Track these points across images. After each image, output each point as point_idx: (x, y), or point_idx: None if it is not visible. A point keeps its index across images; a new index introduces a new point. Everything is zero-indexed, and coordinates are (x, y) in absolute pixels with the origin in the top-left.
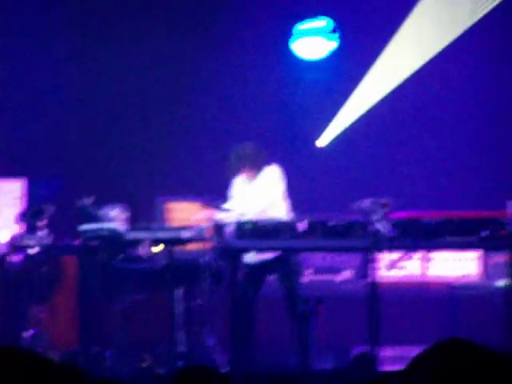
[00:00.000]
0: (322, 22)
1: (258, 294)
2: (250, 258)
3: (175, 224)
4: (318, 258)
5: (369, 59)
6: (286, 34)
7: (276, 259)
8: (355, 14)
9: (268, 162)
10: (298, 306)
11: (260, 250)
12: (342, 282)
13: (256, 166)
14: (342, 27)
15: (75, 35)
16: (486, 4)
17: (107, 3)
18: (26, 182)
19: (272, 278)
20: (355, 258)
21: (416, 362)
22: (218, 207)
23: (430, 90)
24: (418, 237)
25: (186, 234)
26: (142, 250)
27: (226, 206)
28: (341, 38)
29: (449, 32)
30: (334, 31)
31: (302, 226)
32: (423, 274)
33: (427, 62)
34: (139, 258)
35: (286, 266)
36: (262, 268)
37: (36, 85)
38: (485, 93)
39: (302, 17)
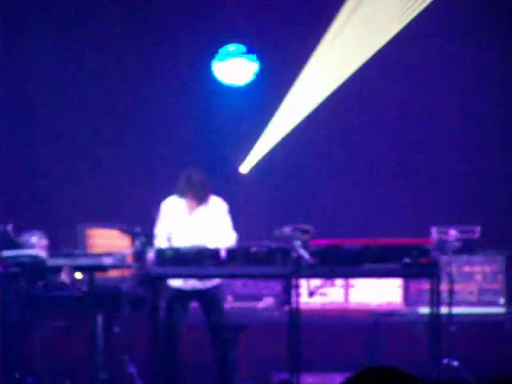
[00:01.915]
0: (241, 47)
1: (182, 321)
2: (179, 282)
3: (96, 250)
4: (239, 285)
5: (289, 83)
6: (208, 59)
7: (206, 290)
8: (273, 39)
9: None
10: (220, 333)
11: (181, 276)
12: (263, 309)
13: (204, 195)
14: (260, 52)
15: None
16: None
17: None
18: None
19: (195, 305)
20: (277, 285)
21: None
22: (136, 234)
23: (347, 114)
24: (339, 264)
25: (107, 261)
26: (63, 277)
27: (158, 233)
28: (261, 62)
29: (368, 47)
30: (252, 53)
31: (223, 252)
32: (346, 301)
33: (346, 81)
34: (60, 285)
35: (212, 294)
36: (189, 295)
37: None
38: (405, 116)
39: (223, 42)
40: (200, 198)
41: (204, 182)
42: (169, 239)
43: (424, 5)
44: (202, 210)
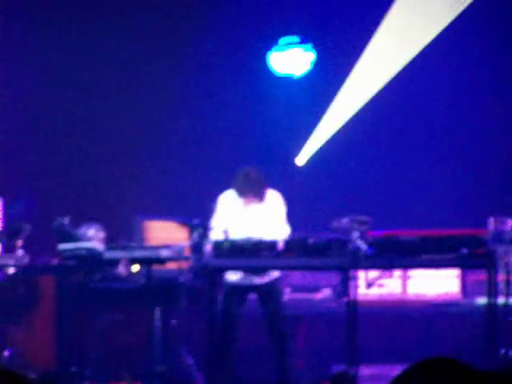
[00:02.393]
0: (297, 38)
1: (239, 313)
2: (234, 278)
3: (153, 243)
4: (296, 277)
5: (344, 74)
6: (264, 51)
7: (265, 284)
8: (328, 30)
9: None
10: (278, 326)
11: (238, 268)
12: (321, 301)
13: (261, 193)
14: (316, 42)
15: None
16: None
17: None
18: (2, 201)
19: (252, 297)
20: (334, 276)
21: (401, 380)
22: (194, 226)
23: (403, 104)
24: (397, 255)
25: (164, 253)
26: (120, 270)
27: (215, 226)
28: (317, 52)
29: (422, 37)
30: (308, 43)
31: (280, 244)
32: (403, 292)
33: (401, 71)
34: (117, 278)
35: (270, 288)
36: (247, 289)
37: (9, 105)
38: (465, 109)
39: (278, 34)
40: (258, 196)
41: (261, 179)
42: (225, 232)
43: None
44: (261, 204)
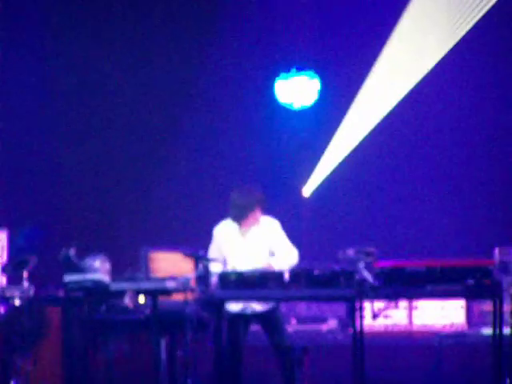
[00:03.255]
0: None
1: (244, 343)
2: (234, 307)
3: (159, 274)
4: (302, 308)
5: (349, 104)
6: (270, 80)
7: (266, 312)
8: (332, 61)
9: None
10: (285, 354)
11: (244, 299)
12: (327, 332)
13: (259, 214)
14: (321, 74)
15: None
16: (462, 25)
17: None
18: (7, 232)
19: (257, 328)
20: (340, 307)
21: None
22: (200, 257)
23: (411, 133)
24: (403, 285)
25: (170, 285)
26: (126, 301)
27: (212, 256)
28: (321, 83)
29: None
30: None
31: (286, 275)
32: (409, 323)
33: (406, 100)
34: (123, 309)
35: (271, 316)
36: (249, 319)
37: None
38: (469, 138)
39: (284, 64)
40: (256, 217)
41: (249, 201)
42: (224, 263)
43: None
44: (255, 230)
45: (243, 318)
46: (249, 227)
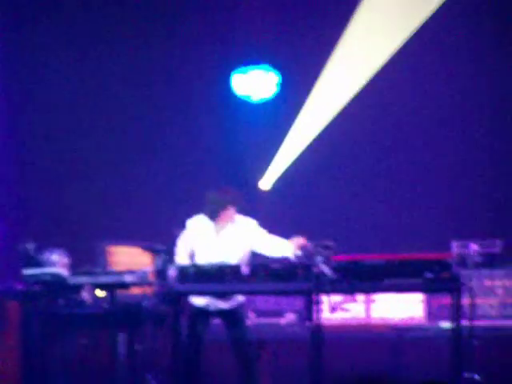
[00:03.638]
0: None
1: (204, 337)
2: (203, 302)
3: (117, 268)
4: (260, 301)
5: (306, 98)
6: (227, 74)
7: (230, 309)
8: (290, 54)
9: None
10: (244, 351)
11: (203, 293)
12: (285, 325)
13: (231, 213)
14: (279, 67)
15: None
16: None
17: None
18: None
19: (217, 322)
20: (298, 301)
21: None
22: (158, 251)
23: (364, 127)
24: (361, 279)
25: (128, 279)
26: (84, 295)
27: (181, 250)
28: (280, 76)
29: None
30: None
31: (245, 269)
32: (367, 316)
33: (361, 91)
34: (81, 303)
35: (235, 313)
36: (212, 314)
37: None
38: (425, 127)
39: (241, 57)
40: (230, 215)
41: (219, 198)
42: (191, 256)
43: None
44: (229, 229)
45: (205, 313)
46: (223, 225)
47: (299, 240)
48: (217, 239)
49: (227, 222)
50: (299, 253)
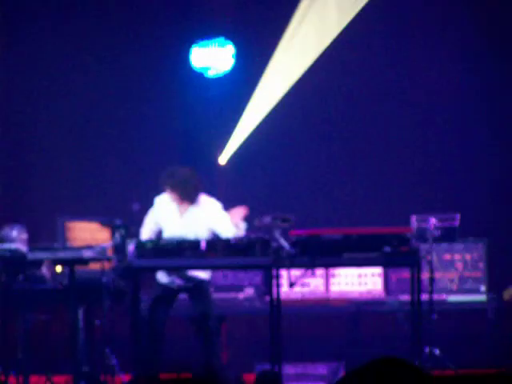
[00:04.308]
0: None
1: (168, 313)
2: (166, 280)
3: (76, 243)
4: (219, 276)
5: (262, 71)
6: (185, 47)
7: (191, 285)
8: (245, 26)
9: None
10: (206, 324)
11: (161, 268)
12: (244, 300)
13: (188, 196)
14: (234, 40)
15: None
16: None
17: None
18: None
19: (182, 297)
20: (257, 276)
21: (350, 379)
22: (117, 226)
23: (321, 98)
24: (320, 253)
25: (87, 254)
26: (43, 271)
27: (147, 225)
28: (236, 48)
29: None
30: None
31: (203, 244)
32: (326, 291)
33: (319, 62)
34: (40, 279)
35: (202, 288)
36: (177, 291)
37: None
38: (383, 100)
39: (199, 30)
40: (184, 197)
41: (189, 179)
42: (159, 233)
43: None
44: (194, 210)
45: (169, 290)
46: (187, 206)
47: (240, 210)
48: (181, 219)
49: (186, 202)
50: (243, 224)
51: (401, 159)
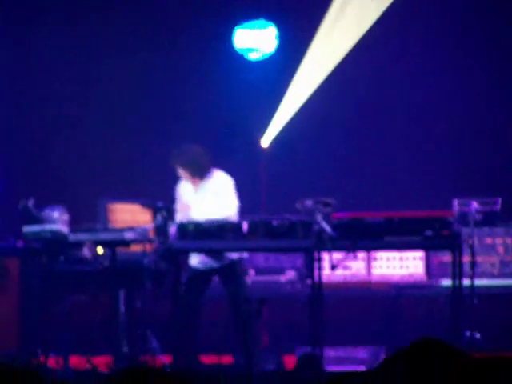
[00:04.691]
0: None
1: (202, 296)
2: (196, 262)
3: (117, 225)
4: (260, 259)
5: (304, 55)
6: (229, 33)
7: (223, 266)
8: (288, 9)
9: (211, 165)
10: (239, 307)
11: (202, 251)
12: (285, 283)
13: (198, 172)
14: (277, 22)
15: None
16: None
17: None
18: None
19: (217, 279)
20: (299, 258)
21: (390, 362)
22: (158, 208)
23: (367, 80)
24: (361, 237)
25: (129, 236)
26: (84, 252)
27: (178, 209)
28: (278, 31)
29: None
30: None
31: (244, 226)
32: (368, 274)
33: (359, 47)
34: (82, 260)
35: (230, 269)
36: (208, 273)
37: None
38: (425, 85)
39: (242, 17)
40: (194, 174)
41: (198, 156)
42: (187, 217)
43: None
44: (205, 185)
45: (200, 272)
46: (198, 183)
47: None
48: (195, 195)
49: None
50: None
51: (444, 143)
